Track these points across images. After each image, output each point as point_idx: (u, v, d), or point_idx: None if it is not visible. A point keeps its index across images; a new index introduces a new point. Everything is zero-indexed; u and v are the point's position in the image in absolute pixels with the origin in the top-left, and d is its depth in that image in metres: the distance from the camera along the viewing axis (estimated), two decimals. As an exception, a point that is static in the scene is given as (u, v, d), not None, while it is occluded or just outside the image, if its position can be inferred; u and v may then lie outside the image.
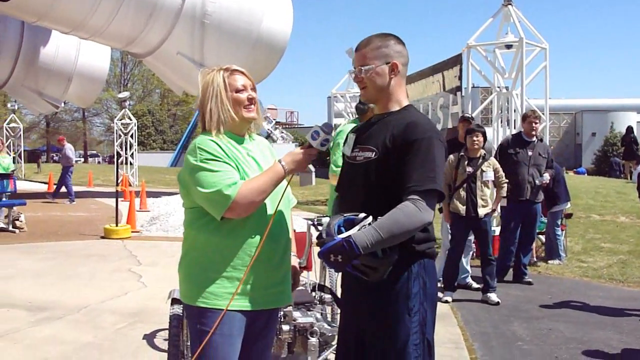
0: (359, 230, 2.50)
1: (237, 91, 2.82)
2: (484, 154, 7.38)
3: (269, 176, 2.70)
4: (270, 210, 2.78)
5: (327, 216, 2.79)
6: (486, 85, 12.77)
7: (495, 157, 8.06)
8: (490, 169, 7.36)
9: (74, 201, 18.44)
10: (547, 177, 8.14)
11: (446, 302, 7.12)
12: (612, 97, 56.33)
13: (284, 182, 2.81)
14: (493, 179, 7.39)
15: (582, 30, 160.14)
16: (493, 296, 7.28)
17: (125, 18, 14.26)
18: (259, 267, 2.73)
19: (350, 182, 2.85)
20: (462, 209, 7.23)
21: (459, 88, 10.98)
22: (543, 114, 10.79)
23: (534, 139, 8.24)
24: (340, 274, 2.90)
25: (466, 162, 7.28)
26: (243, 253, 2.70)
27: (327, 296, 4.50)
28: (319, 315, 4.16)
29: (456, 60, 11.14)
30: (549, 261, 9.43)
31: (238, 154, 2.77)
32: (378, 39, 2.80)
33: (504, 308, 6.96)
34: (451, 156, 7.31)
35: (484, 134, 7.40)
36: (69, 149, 20.01)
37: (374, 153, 2.71)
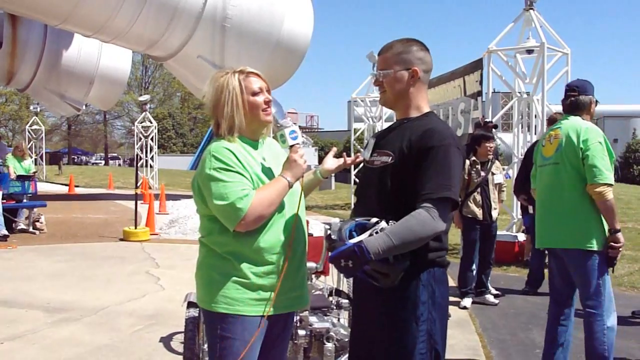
0: (370, 235, 2.46)
1: (254, 94, 2.77)
2: (491, 157, 7.42)
3: (276, 189, 2.67)
4: (288, 215, 2.77)
5: (338, 219, 2.74)
6: (507, 91, 12.67)
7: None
8: (499, 171, 7.44)
9: None
10: None
11: (464, 308, 7.07)
12: (634, 103, 55.83)
13: (298, 187, 2.79)
14: (502, 181, 7.47)
15: (605, 36, 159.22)
16: (490, 297, 7.39)
17: (147, 21, 14.32)
18: (279, 273, 2.71)
19: (367, 186, 2.81)
20: (478, 212, 7.23)
21: (479, 93, 10.93)
22: (564, 119, 10.66)
23: None
24: (353, 279, 2.86)
25: (479, 166, 7.28)
26: (262, 259, 2.68)
27: (344, 301, 4.46)
28: (335, 321, 4.13)
29: (477, 65, 11.09)
30: None
31: (253, 161, 2.74)
32: (401, 44, 2.77)
33: (522, 315, 6.88)
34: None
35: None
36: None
37: (391, 158, 2.67)
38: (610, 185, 4.29)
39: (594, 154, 4.31)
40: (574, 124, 4.51)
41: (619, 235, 4.30)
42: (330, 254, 2.50)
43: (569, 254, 4.44)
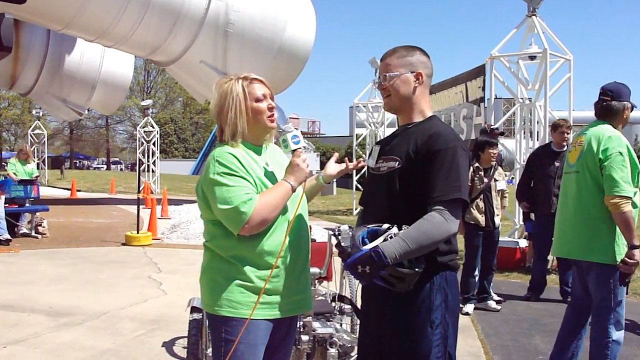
0: (384, 240, 2.47)
1: (257, 100, 2.79)
2: (494, 163, 7.42)
3: (279, 193, 2.69)
4: (291, 219, 2.77)
5: (347, 225, 2.75)
6: (509, 97, 12.68)
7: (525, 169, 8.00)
8: (501, 178, 7.44)
9: None
10: None
11: (466, 313, 7.06)
12: (636, 110, 55.79)
13: (300, 190, 2.80)
14: (505, 188, 7.46)
15: (607, 42, 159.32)
16: (492, 303, 7.36)
17: (149, 26, 14.35)
18: (283, 276, 2.73)
19: (374, 193, 2.83)
20: (481, 219, 7.22)
21: (482, 99, 10.92)
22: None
23: (564, 149, 7.72)
24: (360, 284, 2.87)
25: (482, 173, 7.28)
26: (266, 263, 2.69)
27: (347, 307, 4.47)
28: (338, 326, 4.13)
29: (479, 71, 11.09)
30: None
31: (256, 166, 2.76)
32: (403, 49, 2.81)
33: (525, 321, 6.87)
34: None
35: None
36: None
37: (398, 162, 2.69)
38: (628, 197, 4.13)
39: (612, 165, 4.18)
40: (598, 132, 4.38)
41: (635, 252, 4.11)
42: (346, 261, 2.50)
43: (585, 265, 4.37)
